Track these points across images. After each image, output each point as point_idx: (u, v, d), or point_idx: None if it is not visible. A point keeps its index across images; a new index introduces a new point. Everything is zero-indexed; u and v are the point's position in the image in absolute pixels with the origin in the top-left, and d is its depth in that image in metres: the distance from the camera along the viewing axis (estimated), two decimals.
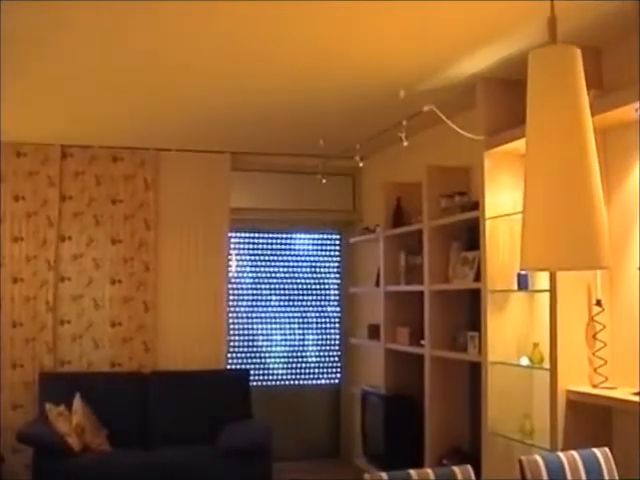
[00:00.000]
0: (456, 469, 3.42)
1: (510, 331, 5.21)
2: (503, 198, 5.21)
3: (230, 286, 7.81)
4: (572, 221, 2.50)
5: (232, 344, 7.94)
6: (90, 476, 5.97)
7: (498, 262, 5.19)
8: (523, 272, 5.03)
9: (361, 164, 6.27)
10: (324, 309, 8.34)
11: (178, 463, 6.31)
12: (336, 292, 8.35)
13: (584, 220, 2.49)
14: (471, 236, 5.80)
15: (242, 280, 8.10)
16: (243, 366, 7.99)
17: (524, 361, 5.01)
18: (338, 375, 8.35)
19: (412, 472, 3.36)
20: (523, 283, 5.05)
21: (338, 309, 8.35)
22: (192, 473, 6.24)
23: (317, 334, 8.32)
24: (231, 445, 6.37)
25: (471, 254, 5.69)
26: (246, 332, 8.09)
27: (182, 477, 6.00)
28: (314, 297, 8.29)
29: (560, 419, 4.55)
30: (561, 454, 3.65)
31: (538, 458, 3.60)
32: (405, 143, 5.41)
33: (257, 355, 8.14)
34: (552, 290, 4.58)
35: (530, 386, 5.21)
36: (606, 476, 3.61)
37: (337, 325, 8.36)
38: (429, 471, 3.38)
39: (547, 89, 2.41)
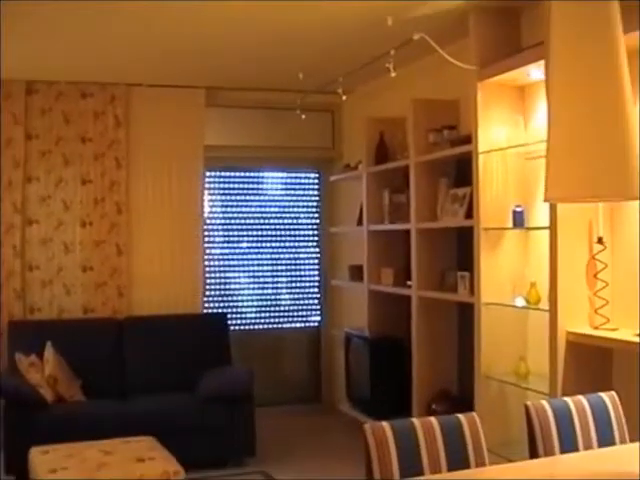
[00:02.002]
0: (462, 418, 3.22)
1: (504, 271, 5.04)
2: (497, 131, 5.02)
3: (205, 227, 7.53)
4: (602, 150, 2.32)
5: (208, 287, 7.67)
6: (64, 428, 5.69)
7: (491, 198, 5.00)
8: (519, 208, 4.83)
9: (344, 97, 5.97)
10: (302, 250, 8.09)
11: (156, 412, 6.07)
12: (315, 232, 8.10)
13: (615, 148, 2.30)
14: (460, 172, 5.61)
15: (217, 221, 7.82)
16: (219, 310, 7.73)
17: (519, 302, 4.83)
18: (318, 318, 8.13)
19: (415, 421, 3.16)
20: (518, 220, 4.85)
21: (317, 250, 8.11)
22: (172, 422, 6.00)
23: (295, 276, 8.08)
24: (212, 392, 6.15)
25: (461, 190, 5.46)
26: (221, 275, 7.83)
27: (161, 427, 5.74)
28: (292, 238, 8.04)
29: (560, 362, 4.37)
30: (568, 399, 3.48)
31: (545, 404, 3.43)
32: (393, 74, 5.13)
33: (233, 299, 7.89)
34: (552, 227, 4.38)
35: (525, 328, 5.06)
36: (614, 422, 3.45)
37: (316, 266, 8.11)
38: (433, 420, 3.18)
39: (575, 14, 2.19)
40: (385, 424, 3.08)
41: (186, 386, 6.35)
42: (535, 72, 4.71)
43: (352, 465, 5.83)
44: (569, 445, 3.31)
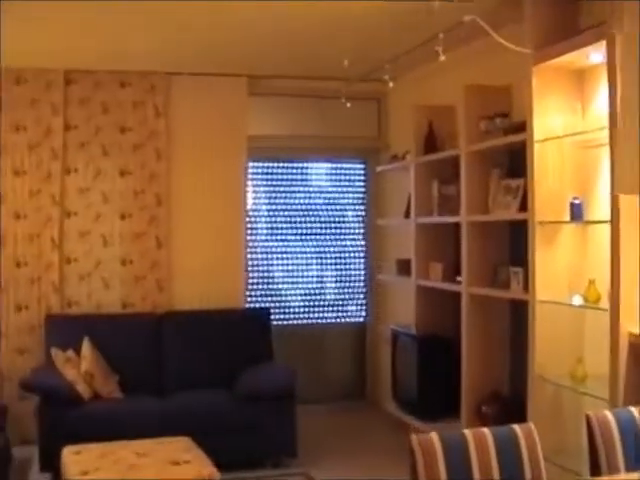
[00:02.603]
0: (517, 428, 2.96)
1: (560, 267, 4.73)
2: (553, 118, 4.71)
3: (248, 220, 7.32)
4: None
5: (250, 282, 7.46)
6: (101, 425, 5.54)
7: (547, 190, 4.70)
8: (576, 201, 4.54)
9: (391, 84, 5.70)
10: (348, 243, 7.84)
11: (195, 410, 5.88)
12: (361, 225, 7.84)
13: None
14: (513, 162, 5.33)
15: (260, 213, 7.60)
16: (262, 305, 7.51)
17: (577, 300, 4.52)
18: (363, 313, 7.88)
19: (467, 432, 2.91)
20: (576, 213, 4.54)
21: (363, 243, 7.86)
22: (210, 420, 5.80)
23: (341, 270, 7.84)
24: (253, 390, 5.93)
25: (514, 182, 5.17)
26: (265, 268, 7.62)
27: (199, 425, 5.56)
28: (337, 230, 7.79)
29: (621, 366, 4.08)
30: (633, 409, 3.20)
31: (608, 414, 3.16)
32: (442, 58, 4.83)
33: (277, 293, 7.67)
34: (614, 221, 4.08)
35: (582, 328, 4.75)
36: None
37: (362, 260, 7.87)
38: (486, 432, 2.92)
39: None
40: (434, 435, 2.85)
41: (226, 383, 6.15)
42: (595, 55, 4.41)
43: (396, 468, 5.60)
44: (636, 461, 3.03)
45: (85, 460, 4.42)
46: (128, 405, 5.90)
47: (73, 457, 4.49)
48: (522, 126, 4.88)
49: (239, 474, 5.59)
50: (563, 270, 4.72)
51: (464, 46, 5.65)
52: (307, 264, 7.75)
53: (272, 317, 6.98)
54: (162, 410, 5.85)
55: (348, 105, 6.40)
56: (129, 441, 4.79)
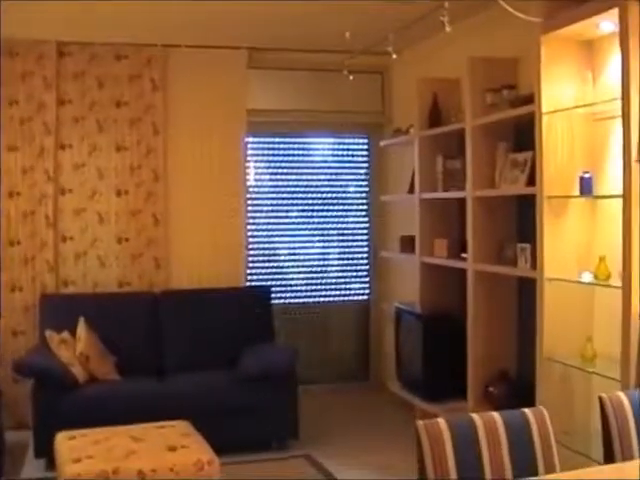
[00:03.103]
0: (528, 412, 2.82)
1: (569, 243, 4.58)
2: (562, 90, 4.55)
3: (247, 196, 7.15)
4: None
5: (250, 259, 7.30)
6: (97, 408, 5.39)
7: (556, 164, 4.54)
8: (586, 175, 4.38)
9: (394, 56, 5.52)
10: (351, 220, 7.68)
11: (194, 392, 5.73)
12: (364, 201, 7.67)
13: None
14: (520, 135, 5.19)
15: (260, 189, 7.43)
16: (263, 283, 7.35)
17: (586, 277, 4.38)
18: (367, 291, 7.73)
19: (476, 418, 2.76)
20: (586, 187, 4.38)
21: (366, 219, 7.69)
22: (210, 402, 5.66)
23: (343, 247, 7.68)
24: (253, 370, 5.78)
25: (522, 155, 5.01)
26: (265, 246, 7.45)
27: (199, 407, 5.44)
28: (339, 207, 7.62)
29: (633, 345, 3.94)
30: None
31: (622, 396, 3.01)
32: (448, 28, 4.68)
33: (277, 271, 7.50)
34: (626, 195, 3.93)
35: (592, 306, 4.60)
36: None
37: (365, 237, 7.70)
38: (496, 416, 2.78)
39: None
40: (441, 421, 2.70)
41: (226, 364, 5.99)
42: (605, 24, 4.24)
43: (401, 450, 5.51)
44: None
45: (79, 446, 4.26)
46: (125, 387, 5.74)
47: (67, 443, 4.34)
48: (529, 98, 4.72)
49: (239, 457, 5.43)
50: (572, 246, 4.57)
51: (470, 17, 5.50)
52: (309, 241, 7.59)
53: (273, 296, 6.83)
54: (160, 392, 5.70)
55: (351, 78, 6.24)
56: (125, 426, 4.62)
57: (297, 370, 5.91)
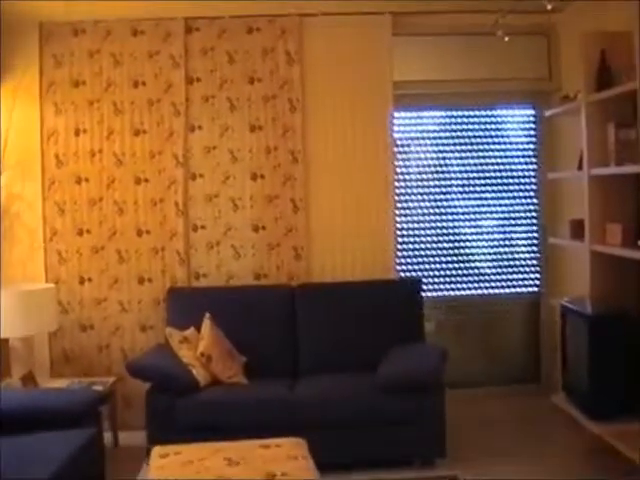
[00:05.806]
0: None
1: None
2: None
3: (396, 177, 6.43)
4: None
5: (399, 248, 6.57)
6: (216, 415, 4.94)
7: None
8: None
9: (549, 7, 4.64)
10: (516, 202, 6.77)
11: (330, 399, 5.10)
12: (532, 181, 6.77)
13: None
14: None
15: (410, 170, 6.68)
16: (411, 274, 6.62)
17: None
18: (537, 282, 6.82)
19: None
20: None
21: (535, 201, 6.78)
22: (344, 412, 5.02)
23: (507, 232, 6.80)
24: (394, 377, 5.09)
25: None
26: (415, 233, 6.69)
27: (335, 416, 4.90)
28: (503, 187, 6.75)
29: None
30: None
31: None
32: None
33: (428, 260, 6.72)
34: None
35: None
36: None
37: (534, 221, 6.80)
38: None
39: None
40: None
41: (367, 367, 5.33)
42: None
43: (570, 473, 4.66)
44: None
45: (168, 467, 3.72)
46: (251, 392, 5.21)
47: (158, 461, 3.82)
48: None
49: (375, 474, 4.83)
50: None
51: None
52: (466, 226, 6.76)
53: (424, 289, 6.10)
54: (289, 399, 5.11)
55: (506, 39, 5.41)
56: (230, 442, 4.04)
57: (444, 378, 5.19)
